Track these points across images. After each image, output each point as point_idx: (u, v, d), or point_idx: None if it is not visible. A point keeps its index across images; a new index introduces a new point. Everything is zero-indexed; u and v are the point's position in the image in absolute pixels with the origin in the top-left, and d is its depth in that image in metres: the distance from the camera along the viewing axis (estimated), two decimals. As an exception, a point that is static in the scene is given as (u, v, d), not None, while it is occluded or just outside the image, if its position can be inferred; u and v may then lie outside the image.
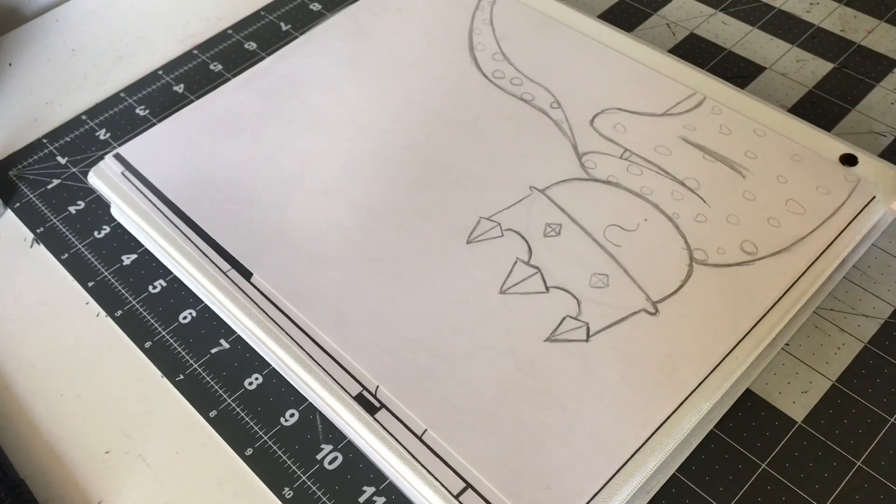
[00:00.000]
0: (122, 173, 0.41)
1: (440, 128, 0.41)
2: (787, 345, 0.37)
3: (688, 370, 0.33)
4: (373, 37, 0.46)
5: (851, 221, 0.36)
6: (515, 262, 0.36)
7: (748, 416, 0.35)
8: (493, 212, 0.38)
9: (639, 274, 0.36)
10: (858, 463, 0.34)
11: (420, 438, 0.32)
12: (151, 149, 0.41)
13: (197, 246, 0.38)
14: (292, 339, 0.34)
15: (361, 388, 0.33)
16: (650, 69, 0.43)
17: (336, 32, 0.46)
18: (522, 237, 0.37)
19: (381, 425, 0.32)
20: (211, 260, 0.37)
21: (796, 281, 0.35)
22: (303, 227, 0.38)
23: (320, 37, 0.46)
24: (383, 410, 0.32)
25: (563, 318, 0.34)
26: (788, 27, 0.50)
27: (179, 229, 0.38)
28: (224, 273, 0.37)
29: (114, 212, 0.43)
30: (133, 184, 0.40)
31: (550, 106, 0.42)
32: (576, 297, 0.35)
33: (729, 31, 0.50)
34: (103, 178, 0.41)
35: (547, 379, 0.33)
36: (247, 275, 0.37)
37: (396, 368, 0.33)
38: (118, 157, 0.41)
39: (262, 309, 0.35)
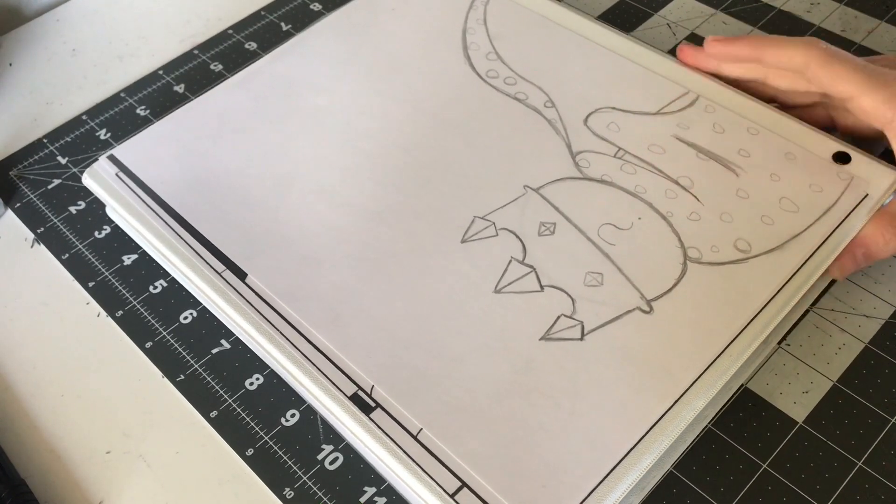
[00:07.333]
0: (117, 174, 0.41)
1: (434, 127, 0.41)
2: (787, 345, 0.37)
3: (682, 368, 0.33)
4: (366, 37, 0.46)
5: (845, 219, 0.36)
6: (510, 262, 0.36)
7: (749, 416, 0.35)
8: (488, 211, 0.38)
9: (633, 272, 0.36)
10: (859, 463, 0.34)
11: (415, 438, 0.32)
12: (145, 150, 0.42)
13: (191, 247, 0.38)
14: (287, 339, 0.35)
15: (357, 388, 0.33)
16: (643, 68, 0.43)
17: (330, 32, 0.46)
18: (517, 236, 0.37)
19: (377, 425, 0.32)
20: (205, 261, 0.37)
21: (790, 279, 0.35)
22: (297, 227, 0.38)
23: (314, 37, 0.46)
24: (378, 410, 0.32)
25: (558, 317, 0.35)
26: (789, 27, 0.50)
27: (174, 230, 0.38)
28: (219, 274, 0.37)
29: (109, 213, 0.43)
30: (127, 185, 0.40)
31: (544, 105, 0.42)
32: (570, 296, 0.35)
33: (729, 31, 0.50)
34: (97, 179, 0.41)
35: (541, 377, 0.33)
36: (241, 275, 0.37)
37: (391, 368, 0.34)
38: (112, 159, 0.41)
39: (256, 309, 0.35)
